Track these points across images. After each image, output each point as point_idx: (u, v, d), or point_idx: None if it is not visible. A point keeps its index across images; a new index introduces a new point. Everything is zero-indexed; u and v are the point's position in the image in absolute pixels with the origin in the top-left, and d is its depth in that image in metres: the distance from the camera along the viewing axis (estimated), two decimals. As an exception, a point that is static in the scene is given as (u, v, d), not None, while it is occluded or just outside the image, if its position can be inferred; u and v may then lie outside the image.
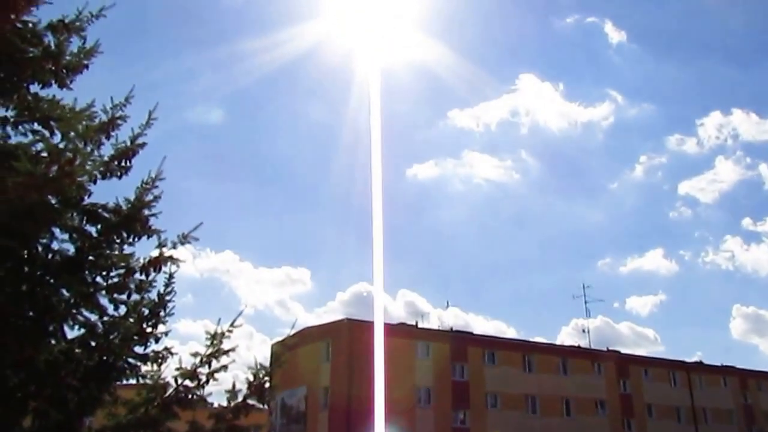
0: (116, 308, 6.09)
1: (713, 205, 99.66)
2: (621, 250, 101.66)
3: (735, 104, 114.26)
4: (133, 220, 6.07)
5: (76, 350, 5.84)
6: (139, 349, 6.12)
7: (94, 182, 5.99)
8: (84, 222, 5.98)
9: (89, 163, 5.94)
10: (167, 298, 6.26)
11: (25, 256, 5.68)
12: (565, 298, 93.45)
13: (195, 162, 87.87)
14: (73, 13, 6.30)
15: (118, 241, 6.07)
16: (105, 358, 5.89)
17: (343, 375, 39.75)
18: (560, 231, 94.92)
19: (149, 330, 6.16)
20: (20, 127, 6.08)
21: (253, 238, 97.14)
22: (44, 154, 5.84)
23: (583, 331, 54.60)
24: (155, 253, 6.22)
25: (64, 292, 5.81)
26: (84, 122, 6.22)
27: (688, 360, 55.84)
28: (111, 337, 5.94)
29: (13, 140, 6.05)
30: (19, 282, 5.58)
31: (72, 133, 6.09)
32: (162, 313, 6.23)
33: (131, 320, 6.08)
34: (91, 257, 5.90)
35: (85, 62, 6.43)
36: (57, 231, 5.84)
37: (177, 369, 6.30)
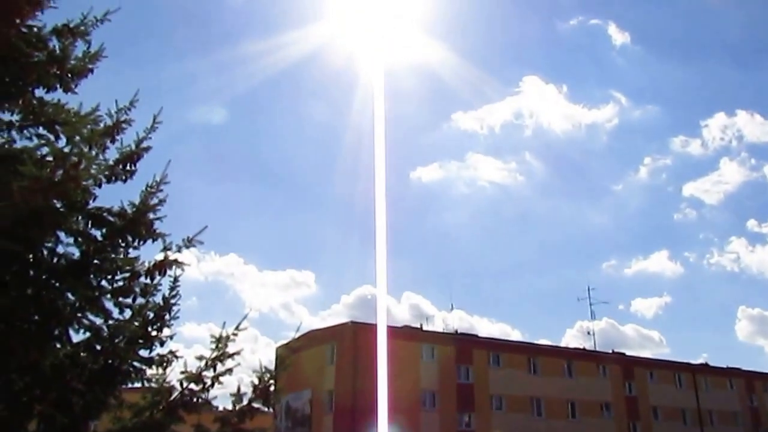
0: (121, 312, 6.10)
1: (718, 207, 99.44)
2: (626, 252, 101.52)
3: (739, 105, 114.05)
4: (138, 223, 6.08)
5: (82, 354, 5.85)
6: (144, 353, 6.14)
7: (99, 186, 6.01)
8: (89, 226, 5.99)
9: (94, 167, 5.96)
10: (172, 301, 6.27)
11: (31, 259, 5.69)
12: (570, 301, 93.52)
13: (199, 165, 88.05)
14: (77, 18, 6.32)
15: (123, 244, 6.08)
16: (110, 361, 5.90)
17: (348, 378, 39.73)
18: (565, 233, 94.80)
19: (154, 333, 6.18)
20: (25, 131, 6.10)
21: (257, 241, 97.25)
22: (49, 158, 5.86)
23: (588, 333, 54.52)
24: (160, 256, 6.23)
25: (70, 295, 5.82)
26: (89, 126, 6.24)
27: (693, 362, 55.76)
28: (116, 340, 5.96)
29: (19, 144, 6.07)
30: (24, 286, 5.60)
31: (77, 137, 6.12)
32: (167, 317, 6.24)
33: (136, 324, 6.09)
34: (96, 261, 5.91)
35: (90, 66, 6.45)
36: (62, 235, 5.85)
37: (182, 372, 6.31)
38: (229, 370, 6.48)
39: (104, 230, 6.02)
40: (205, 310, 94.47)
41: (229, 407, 6.60)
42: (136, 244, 6.14)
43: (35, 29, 6.03)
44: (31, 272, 5.71)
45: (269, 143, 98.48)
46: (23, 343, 5.39)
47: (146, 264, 6.17)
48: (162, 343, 6.22)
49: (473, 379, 44.31)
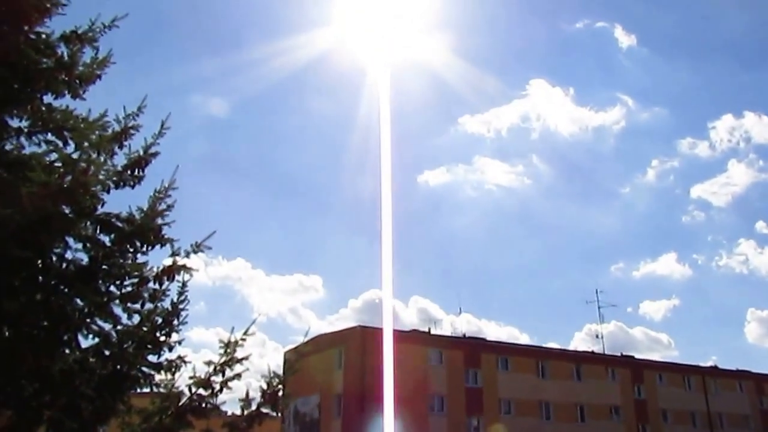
0: (130, 317, 6.11)
1: (726, 209, 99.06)
2: (634, 254, 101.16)
3: (747, 107, 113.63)
4: (147, 229, 6.09)
5: (90, 359, 5.86)
6: (152, 358, 6.15)
7: (108, 192, 6.03)
8: (97, 231, 6.00)
9: (102, 172, 5.98)
10: (180, 306, 6.28)
11: (40, 265, 5.70)
12: (578, 304, 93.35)
13: (206, 169, 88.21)
14: (85, 24, 6.33)
15: (131, 250, 6.09)
16: (119, 367, 5.91)
17: (356, 382, 39.71)
18: (572, 236, 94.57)
19: (163, 339, 6.18)
20: (34, 137, 6.12)
21: (265, 245, 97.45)
22: (58, 164, 5.88)
23: (597, 336, 54.34)
24: (168, 262, 6.24)
25: (78, 301, 5.84)
26: (97, 132, 6.26)
27: (702, 364, 55.57)
28: (125, 346, 5.97)
29: (27, 150, 6.09)
30: (33, 291, 5.61)
31: (85, 143, 6.14)
32: (175, 322, 6.25)
33: (145, 329, 6.10)
34: (104, 266, 5.92)
35: (98, 72, 6.46)
36: (71, 240, 5.86)
37: (191, 377, 6.32)
38: (238, 375, 6.48)
39: (113, 236, 6.03)
40: (213, 314, 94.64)
41: (238, 412, 6.60)
42: (144, 249, 6.15)
43: (43, 36, 6.04)
44: (40, 278, 5.72)
45: (276, 147, 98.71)
46: (32, 349, 5.40)
47: (155, 269, 6.18)
48: (170, 349, 6.22)
49: (482, 383, 44.24)
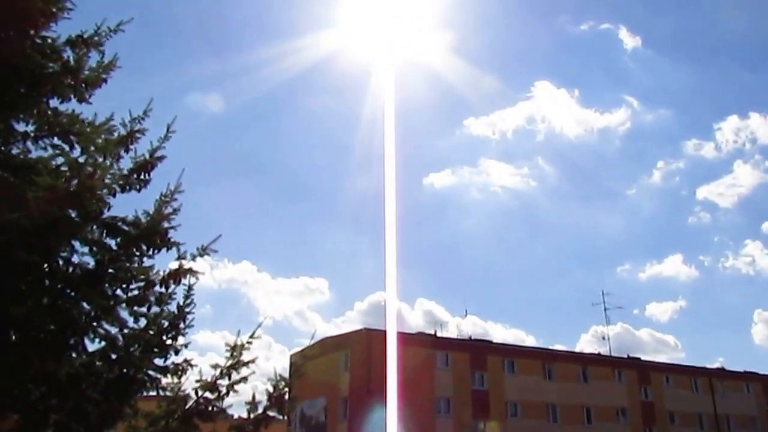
0: (136, 321, 6.12)
1: (732, 210, 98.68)
2: (640, 256, 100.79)
3: (752, 108, 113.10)
4: (153, 232, 6.10)
5: (97, 363, 5.86)
6: (159, 362, 6.14)
7: (114, 195, 6.03)
8: (104, 235, 6.01)
9: (109, 176, 5.99)
10: (187, 310, 6.28)
11: (46, 269, 5.71)
12: (585, 305, 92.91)
13: (212, 172, 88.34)
14: (91, 29, 6.34)
15: (137, 253, 6.10)
16: (125, 370, 5.92)
17: (362, 385, 39.69)
18: (578, 238, 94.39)
19: (169, 342, 6.18)
20: (40, 141, 6.12)
21: (270, 248, 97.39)
22: (64, 169, 5.90)
23: (603, 338, 54.26)
24: (175, 265, 6.25)
25: (85, 305, 5.84)
26: (103, 136, 6.26)
27: (709, 366, 55.41)
28: (131, 349, 5.97)
29: (34, 155, 6.10)
30: (40, 295, 5.62)
31: (92, 147, 6.15)
32: (182, 325, 6.25)
33: (151, 333, 6.10)
34: (111, 270, 5.93)
35: (104, 76, 6.47)
36: (77, 244, 5.87)
37: (197, 381, 6.33)
38: (244, 379, 6.49)
39: (119, 239, 6.04)
40: (219, 317, 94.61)
41: (244, 415, 6.61)
42: (150, 253, 6.16)
43: (49, 40, 6.06)
44: (47, 282, 5.73)
45: (282, 150, 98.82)
46: (39, 353, 5.40)
47: (161, 273, 6.18)
48: (177, 352, 6.23)
49: (488, 385, 44.19)
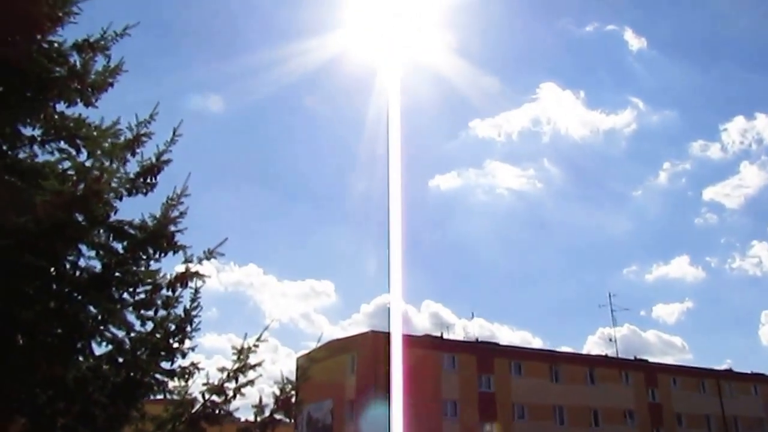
0: (143, 324, 6.14)
1: (739, 211, 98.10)
2: (646, 257, 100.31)
3: (759, 108, 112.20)
4: (159, 236, 6.11)
5: (104, 367, 5.88)
6: (166, 365, 6.16)
7: (120, 199, 6.05)
8: (110, 239, 6.03)
9: (115, 180, 6.01)
10: (193, 313, 6.30)
11: (54, 273, 5.73)
12: (591, 307, 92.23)
13: (217, 174, 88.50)
14: (97, 33, 6.37)
15: (144, 257, 6.11)
16: (132, 374, 5.93)
17: (369, 387, 39.67)
18: (584, 239, 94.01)
19: (176, 345, 6.20)
20: (47, 145, 6.15)
21: (276, 251, 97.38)
22: (71, 173, 5.92)
23: (610, 340, 54.46)
24: (181, 268, 6.27)
25: (92, 308, 5.86)
26: (110, 140, 6.28)
27: (717, 368, 55.19)
28: (138, 353, 5.99)
29: (41, 159, 6.12)
30: (47, 299, 5.64)
31: (98, 151, 6.17)
32: (188, 329, 6.27)
33: (158, 336, 6.12)
34: (117, 274, 5.94)
35: (110, 81, 6.49)
36: (84, 248, 5.89)
37: (204, 384, 6.34)
38: (251, 382, 6.49)
39: (126, 243, 6.05)
40: (225, 320, 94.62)
41: (251, 418, 6.61)
42: (157, 256, 6.17)
43: (56, 44, 6.08)
44: (54, 286, 5.75)
45: (288, 152, 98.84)
46: (46, 357, 5.42)
47: (168, 276, 6.20)
48: (184, 355, 6.24)
49: (495, 387, 44.10)
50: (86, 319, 5.79)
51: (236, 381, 6.43)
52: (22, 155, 6.04)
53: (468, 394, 42.98)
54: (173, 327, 6.20)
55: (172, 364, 6.19)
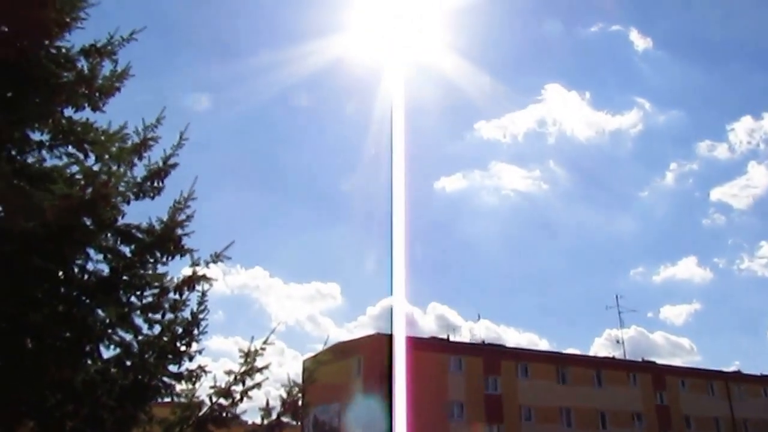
0: (151, 327, 6.16)
1: (747, 211, 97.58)
2: (653, 258, 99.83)
3: (766, 108, 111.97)
4: (167, 239, 6.14)
5: (112, 370, 5.91)
6: (173, 368, 6.19)
7: (128, 203, 6.10)
8: (118, 243, 6.06)
9: (123, 184, 6.05)
10: (200, 316, 6.32)
11: (62, 277, 5.76)
12: (598, 309, 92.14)
13: (223, 177, 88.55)
14: (104, 38, 6.41)
15: (151, 261, 6.14)
16: (140, 377, 5.96)
17: (375, 390, 39.65)
18: (591, 240, 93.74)
19: (183, 348, 6.22)
20: (55, 150, 6.18)
21: (282, 253, 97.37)
22: (79, 177, 5.95)
23: (617, 341, 53.99)
24: (188, 272, 6.29)
25: (100, 312, 5.89)
26: (117, 144, 6.32)
27: (725, 369, 54.95)
28: (146, 356, 6.01)
29: (49, 163, 6.16)
30: (55, 303, 5.67)
31: (106, 156, 6.21)
32: (195, 332, 6.29)
33: (165, 339, 6.15)
34: (125, 277, 5.98)
35: (117, 85, 6.53)
36: (92, 252, 5.93)
37: (211, 387, 6.35)
38: (258, 385, 6.50)
39: (133, 247, 6.09)
40: (232, 323, 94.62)
41: (258, 421, 6.62)
42: (164, 260, 6.21)
43: (64, 50, 6.12)
44: (62, 289, 5.78)
45: (293, 155, 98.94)
46: (55, 360, 5.45)
47: (175, 280, 6.23)
48: (191, 358, 6.26)
49: (501, 390, 44.01)
50: (94, 323, 5.82)
51: (243, 384, 6.44)
52: (30, 160, 6.08)
53: (474, 396, 42.91)
54: (180, 330, 6.23)
55: (179, 367, 6.22)
